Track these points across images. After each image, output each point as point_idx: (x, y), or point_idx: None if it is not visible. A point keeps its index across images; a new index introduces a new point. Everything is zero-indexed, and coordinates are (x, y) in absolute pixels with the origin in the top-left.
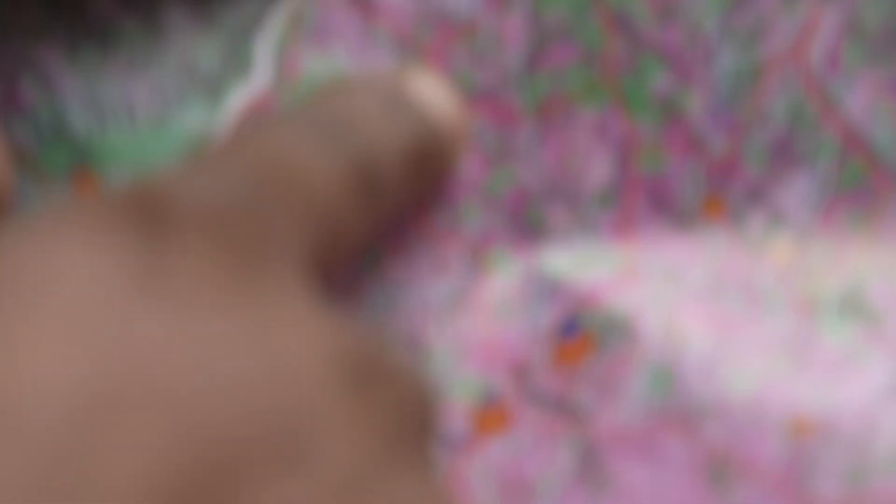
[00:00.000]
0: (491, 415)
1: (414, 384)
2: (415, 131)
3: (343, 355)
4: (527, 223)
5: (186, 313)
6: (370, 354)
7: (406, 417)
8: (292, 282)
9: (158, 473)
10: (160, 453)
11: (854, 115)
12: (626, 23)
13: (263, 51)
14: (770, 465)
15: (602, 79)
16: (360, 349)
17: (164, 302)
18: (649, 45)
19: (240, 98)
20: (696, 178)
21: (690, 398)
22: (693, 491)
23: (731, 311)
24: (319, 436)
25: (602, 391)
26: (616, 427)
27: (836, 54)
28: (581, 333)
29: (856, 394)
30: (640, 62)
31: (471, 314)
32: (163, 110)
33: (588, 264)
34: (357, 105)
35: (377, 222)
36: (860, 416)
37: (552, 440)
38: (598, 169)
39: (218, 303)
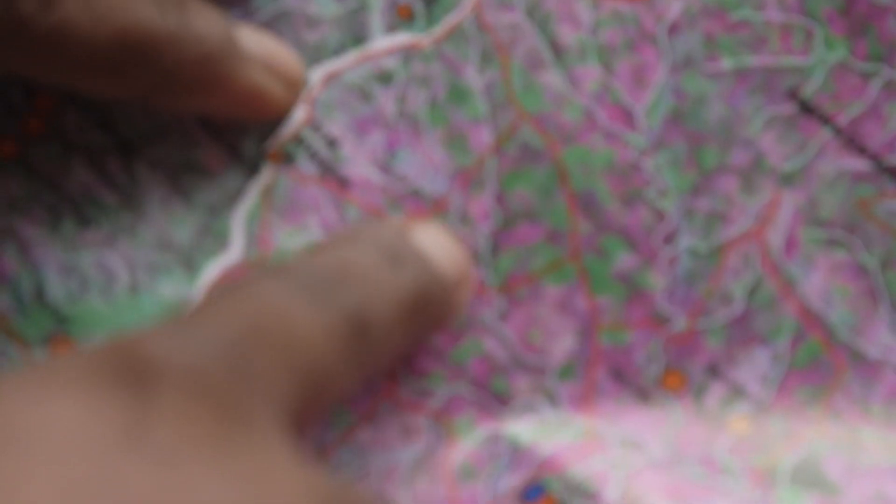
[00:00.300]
0: None
1: None
2: (415, 281)
3: (322, 500)
4: (491, 393)
5: (170, 468)
6: (344, 499)
7: None
8: (273, 435)
9: None
10: None
11: (811, 296)
12: (590, 205)
13: (237, 225)
14: None
15: (567, 257)
16: (338, 495)
17: (148, 457)
18: (613, 226)
19: (214, 270)
20: (656, 353)
21: None
22: None
23: (690, 480)
24: None
25: None
26: None
27: (793, 238)
28: (544, 498)
29: None
30: (603, 242)
31: (435, 479)
32: (139, 280)
33: (551, 433)
34: (354, 255)
35: (367, 371)
36: None
37: None
38: (561, 342)
39: (200, 457)
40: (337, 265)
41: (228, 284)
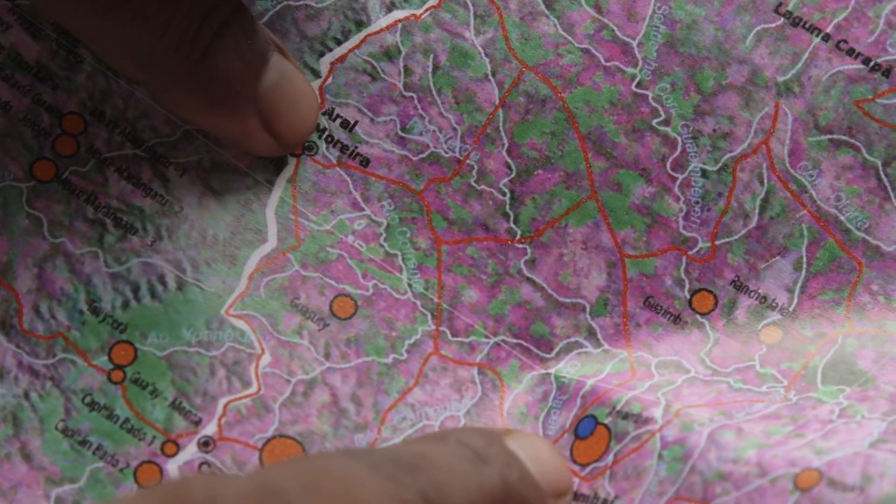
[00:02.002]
0: None
1: None
2: (500, 477)
3: None
4: (533, 337)
5: None
6: None
7: None
8: None
9: None
10: None
11: (822, 200)
12: (601, 142)
13: (270, 216)
14: None
15: (586, 197)
16: None
17: None
18: (625, 160)
19: (255, 260)
20: (682, 277)
21: (700, 471)
22: None
23: (728, 391)
24: None
25: (624, 479)
26: None
27: (798, 146)
28: (596, 430)
29: (851, 443)
30: (618, 177)
31: (490, 426)
32: (186, 278)
33: (594, 366)
34: (435, 449)
35: None
36: (858, 463)
37: None
38: (592, 280)
39: None
40: (416, 452)
41: (298, 456)
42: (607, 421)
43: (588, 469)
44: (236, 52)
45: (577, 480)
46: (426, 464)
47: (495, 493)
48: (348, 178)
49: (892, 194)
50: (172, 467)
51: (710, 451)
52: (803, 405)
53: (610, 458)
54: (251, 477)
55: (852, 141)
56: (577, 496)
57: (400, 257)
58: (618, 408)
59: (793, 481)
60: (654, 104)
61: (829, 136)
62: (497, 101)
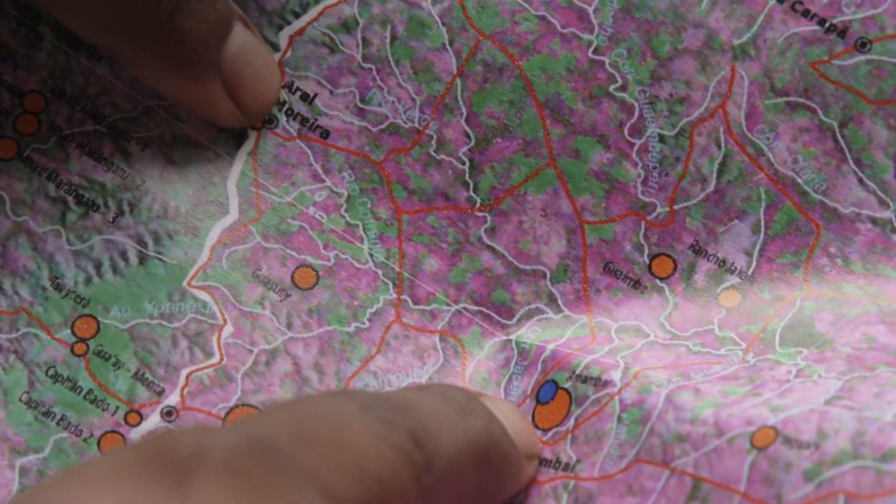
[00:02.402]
0: None
1: None
2: (484, 429)
3: None
4: (493, 304)
5: None
6: None
7: None
8: None
9: None
10: None
11: (779, 163)
12: (558, 109)
13: (231, 188)
14: (740, 479)
15: (544, 164)
16: None
17: None
18: (583, 126)
19: (217, 232)
20: (642, 242)
21: (659, 432)
22: None
23: (687, 354)
24: None
25: (585, 443)
26: (602, 472)
27: (754, 109)
28: (557, 395)
29: (807, 400)
30: (576, 144)
31: None
32: (148, 252)
33: (554, 333)
34: (421, 397)
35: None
36: (813, 420)
37: (547, 495)
38: (552, 246)
39: None
40: (404, 398)
41: (284, 400)
42: (567, 385)
43: (550, 434)
44: (201, 15)
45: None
46: (415, 408)
47: (480, 443)
48: (308, 151)
49: (848, 156)
50: (136, 437)
51: (668, 412)
52: (761, 366)
53: (571, 422)
54: (238, 428)
55: (808, 103)
56: (539, 461)
57: (361, 227)
58: (577, 371)
59: (749, 440)
60: (611, 70)
61: (786, 99)
62: (455, 71)
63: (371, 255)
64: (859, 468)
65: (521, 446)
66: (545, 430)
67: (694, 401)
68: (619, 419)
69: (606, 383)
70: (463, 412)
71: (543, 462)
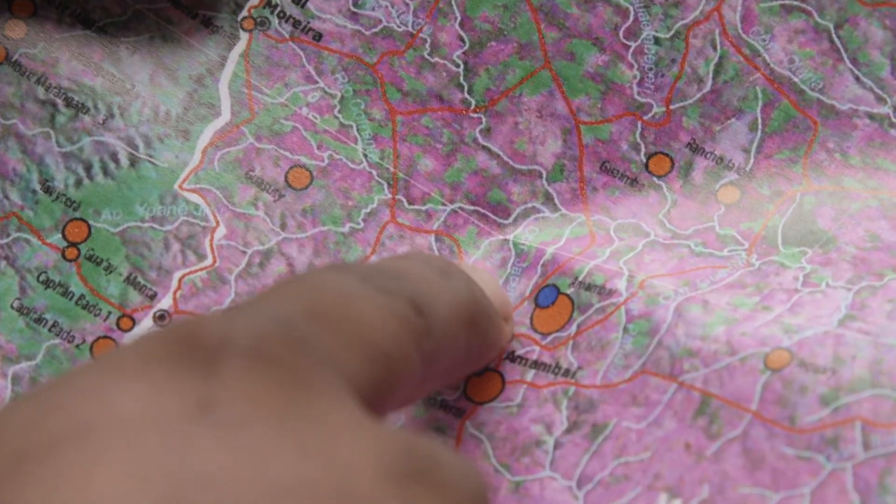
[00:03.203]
0: (482, 384)
1: (459, 477)
2: (467, 291)
3: (389, 452)
4: (490, 204)
5: (237, 436)
6: (417, 452)
7: None
8: (337, 400)
9: None
10: None
11: (775, 64)
12: (553, 13)
13: (223, 90)
14: (752, 398)
15: (539, 66)
16: (408, 448)
17: (216, 428)
18: (578, 30)
19: (209, 134)
20: (638, 141)
21: (668, 346)
22: (682, 428)
23: (690, 257)
24: None
25: (588, 351)
26: (605, 380)
27: (749, 12)
28: (558, 299)
29: (820, 320)
30: (572, 47)
31: None
32: (139, 155)
33: (552, 231)
34: (407, 264)
35: (435, 368)
36: (828, 344)
37: (546, 399)
38: (548, 146)
39: (267, 423)
40: (394, 266)
41: (288, 276)
42: (570, 291)
43: (549, 338)
44: None
45: (537, 349)
46: (406, 275)
47: (466, 304)
48: (301, 52)
49: (844, 55)
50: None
51: (678, 326)
52: (766, 271)
53: (573, 328)
54: (257, 310)
55: (804, 6)
56: (538, 364)
57: (355, 128)
58: (580, 278)
59: (763, 360)
60: None
61: (781, 2)
62: None
63: (365, 156)
64: (877, 396)
65: (498, 307)
66: (544, 335)
67: (704, 315)
68: (626, 329)
69: (612, 292)
70: (446, 276)
71: (542, 366)
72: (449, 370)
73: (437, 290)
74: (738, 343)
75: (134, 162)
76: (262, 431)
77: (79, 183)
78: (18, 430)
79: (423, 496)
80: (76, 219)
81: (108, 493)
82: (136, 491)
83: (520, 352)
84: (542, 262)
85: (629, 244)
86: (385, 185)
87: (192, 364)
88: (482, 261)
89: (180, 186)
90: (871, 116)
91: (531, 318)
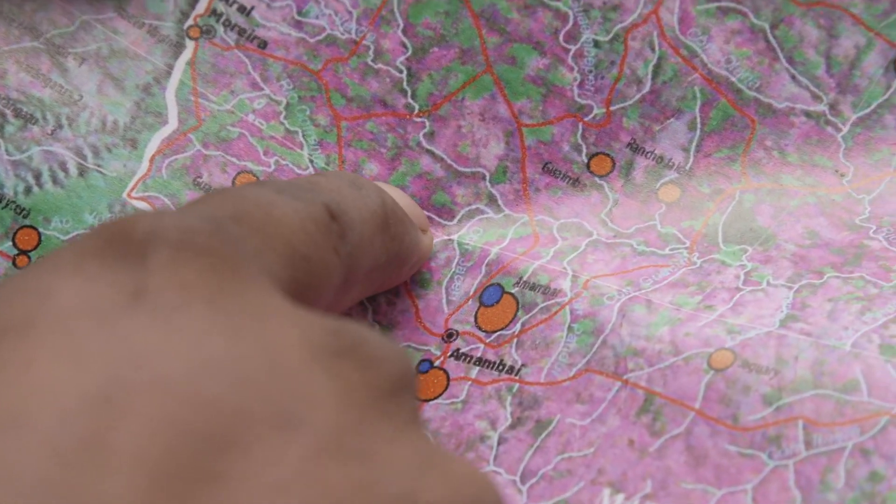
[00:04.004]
0: (427, 381)
1: (385, 352)
2: (378, 199)
3: (317, 333)
4: (434, 206)
5: (169, 316)
6: (344, 331)
7: (381, 380)
8: (265, 287)
9: (153, 448)
10: (155, 431)
11: (713, 64)
12: (494, 19)
13: (170, 98)
14: (695, 397)
15: (481, 71)
16: (335, 328)
17: (149, 310)
18: (518, 35)
19: (156, 142)
20: (579, 142)
21: (612, 345)
22: (625, 425)
23: (633, 256)
24: (304, 402)
25: (532, 349)
26: (549, 378)
27: (686, 14)
28: (502, 299)
29: (762, 320)
30: (513, 51)
31: (394, 293)
32: (87, 164)
33: (496, 231)
34: (321, 179)
35: (353, 272)
36: (771, 345)
37: (490, 396)
38: (490, 149)
39: (197, 304)
40: (307, 180)
41: (211, 191)
42: (514, 290)
43: (493, 336)
44: None
45: (482, 346)
46: (319, 187)
47: (377, 211)
48: (247, 60)
49: (780, 55)
50: None
51: (622, 326)
52: (708, 269)
53: (517, 326)
54: (186, 211)
55: (740, 7)
56: (482, 361)
57: (300, 134)
58: (524, 278)
59: (707, 360)
60: None
61: (717, 4)
62: None
63: (311, 161)
64: (819, 396)
65: (413, 219)
66: (489, 332)
67: (648, 316)
68: (570, 329)
69: (556, 292)
70: (356, 186)
71: (486, 363)
72: (371, 275)
73: (350, 197)
74: (682, 343)
75: (83, 171)
76: (194, 314)
77: (28, 190)
78: None
79: (351, 369)
80: (26, 226)
81: (49, 375)
82: (76, 371)
83: (464, 349)
84: (486, 261)
85: (572, 244)
86: None
87: (125, 256)
88: (427, 261)
89: (129, 195)
90: (807, 114)
91: (475, 316)
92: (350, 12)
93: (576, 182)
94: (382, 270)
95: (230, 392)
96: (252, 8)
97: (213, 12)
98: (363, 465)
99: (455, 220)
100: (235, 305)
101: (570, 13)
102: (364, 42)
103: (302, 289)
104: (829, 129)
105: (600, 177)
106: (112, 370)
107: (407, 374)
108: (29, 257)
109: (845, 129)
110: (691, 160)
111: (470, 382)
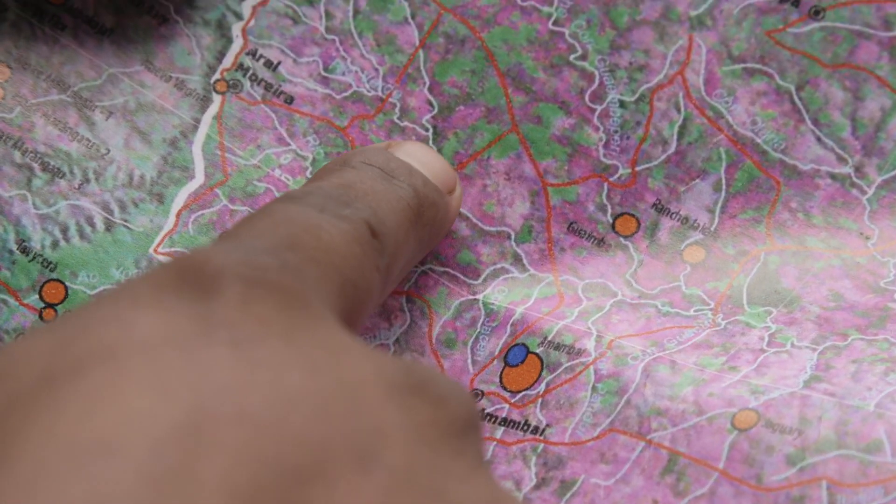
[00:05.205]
0: None
1: (453, 392)
2: (410, 188)
3: (390, 369)
4: (459, 265)
5: (244, 347)
6: (411, 368)
7: (451, 418)
8: (331, 320)
9: (240, 478)
10: (242, 462)
11: (738, 125)
12: (520, 78)
13: (197, 153)
14: (719, 457)
15: (507, 130)
16: (403, 365)
17: (224, 341)
18: (544, 94)
19: (182, 197)
20: (604, 202)
21: (636, 405)
22: (649, 485)
23: (657, 317)
24: (380, 436)
25: (556, 409)
26: (573, 438)
27: (712, 75)
28: (528, 358)
29: (786, 380)
30: (538, 110)
31: (420, 353)
32: (114, 218)
33: (521, 291)
34: (352, 176)
35: (390, 278)
36: (795, 405)
37: (515, 456)
38: (516, 208)
39: (270, 336)
40: (342, 185)
41: (254, 212)
42: (539, 350)
43: (518, 396)
44: None
45: (506, 407)
46: (354, 193)
47: (410, 202)
48: (273, 115)
49: (806, 116)
50: None
51: (646, 386)
52: (732, 331)
53: (542, 386)
54: (244, 240)
55: (765, 69)
56: (507, 422)
57: None
58: (549, 338)
59: (730, 420)
60: (571, 41)
61: (743, 65)
62: (417, 43)
63: None
64: (843, 457)
65: (441, 183)
66: (514, 393)
67: (672, 376)
68: (594, 388)
69: (581, 352)
70: (388, 178)
71: (512, 423)
72: (402, 270)
73: (384, 200)
74: (705, 403)
75: (109, 226)
76: (273, 348)
77: (55, 244)
78: (44, 354)
79: (423, 407)
80: (53, 279)
81: (138, 404)
82: (163, 401)
83: (489, 409)
84: (511, 321)
85: (597, 304)
86: None
87: (199, 290)
88: (452, 321)
89: (155, 250)
90: (832, 176)
91: (500, 377)
92: (376, 69)
93: (601, 242)
94: (412, 260)
95: (312, 425)
96: (279, 63)
97: (240, 66)
98: (436, 502)
99: (480, 279)
100: (310, 340)
101: (596, 73)
102: (390, 100)
103: (350, 315)
104: (854, 191)
105: (625, 237)
106: (197, 401)
107: (474, 414)
108: (56, 310)
109: (870, 192)
110: (716, 221)
111: (495, 443)
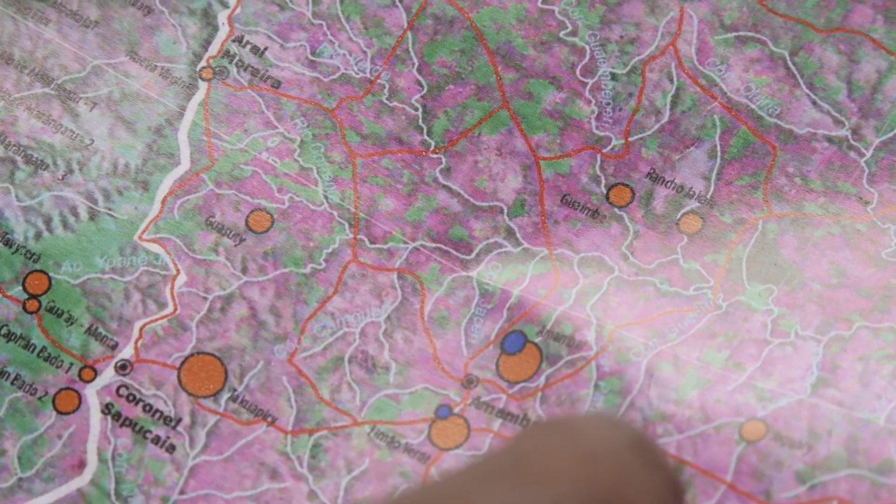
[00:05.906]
0: (447, 429)
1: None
2: (607, 481)
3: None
4: (451, 241)
5: None
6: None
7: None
8: None
9: None
10: None
11: (732, 92)
12: (510, 56)
13: (182, 139)
14: (727, 469)
15: (498, 106)
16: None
17: None
18: (535, 70)
19: (168, 183)
20: (598, 173)
21: (640, 408)
22: None
23: (657, 298)
24: None
25: (557, 405)
26: None
27: (705, 45)
28: (525, 347)
29: (792, 384)
30: (529, 86)
31: (412, 330)
32: (98, 208)
33: (515, 267)
34: (554, 458)
35: None
36: (803, 416)
37: None
38: (508, 182)
39: None
40: (541, 467)
41: (551, 420)
42: (538, 340)
43: (517, 387)
44: None
45: (504, 397)
46: (549, 472)
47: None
48: (260, 99)
49: (801, 81)
50: (91, 392)
51: (650, 387)
52: (734, 316)
53: (542, 380)
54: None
55: (758, 36)
56: (505, 414)
57: (315, 171)
58: (548, 326)
59: (738, 431)
60: (561, 17)
61: (735, 34)
62: (405, 25)
63: (326, 197)
64: (854, 476)
65: (636, 466)
66: (511, 383)
67: (676, 376)
68: (597, 387)
69: (581, 345)
70: (589, 460)
71: (510, 416)
72: None
73: (579, 490)
74: (712, 410)
75: (93, 215)
76: None
77: (38, 235)
78: None
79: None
80: (36, 271)
81: None
82: None
83: (485, 398)
84: (507, 305)
85: (594, 282)
86: (346, 226)
87: None
88: (445, 298)
89: (140, 237)
90: (829, 139)
91: (497, 364)
92: (364, 52)
93: (595, 213)
94: None
95: None
96: (265, 48)
97: (227, 53)
98: None
99: (473, 254)
100: None
101: (587, 48)
102: (379, 81)
103: None
104: (852, 153)
105: (620, 207)
106: None
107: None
108: (39, 301)
109: (868, 154)
110: (712, 188)
111: (492, 435)
